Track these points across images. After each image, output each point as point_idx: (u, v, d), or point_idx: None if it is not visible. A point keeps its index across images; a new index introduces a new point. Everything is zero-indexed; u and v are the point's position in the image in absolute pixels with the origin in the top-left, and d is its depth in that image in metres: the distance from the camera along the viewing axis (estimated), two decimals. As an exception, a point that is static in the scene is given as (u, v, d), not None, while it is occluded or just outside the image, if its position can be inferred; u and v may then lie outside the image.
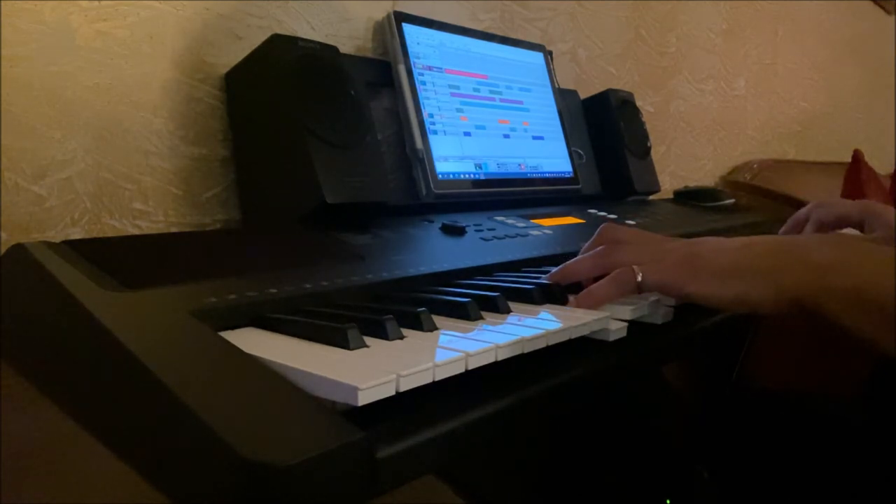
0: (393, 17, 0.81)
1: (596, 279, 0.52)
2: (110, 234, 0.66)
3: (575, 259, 0.54)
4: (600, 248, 0.53)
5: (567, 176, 0.97)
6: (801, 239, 0.47)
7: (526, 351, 0.40)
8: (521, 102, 0.94)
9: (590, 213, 0.92)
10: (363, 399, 0.31)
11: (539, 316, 0.46)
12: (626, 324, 0.48)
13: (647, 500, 0.86)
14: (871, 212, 0.60)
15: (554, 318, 0.45)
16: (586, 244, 0.57)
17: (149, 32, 0.68)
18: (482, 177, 0.84)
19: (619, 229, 0.55)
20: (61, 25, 0.62)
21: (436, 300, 0.47)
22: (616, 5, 1.30)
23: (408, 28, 0.82)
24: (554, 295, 0.51)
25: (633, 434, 0.88)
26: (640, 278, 0.49)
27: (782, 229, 0.79)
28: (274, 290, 0.45)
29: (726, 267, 0.47)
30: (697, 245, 0.50)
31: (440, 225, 0.71)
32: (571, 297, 0.51)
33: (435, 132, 0.80)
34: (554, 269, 0.55)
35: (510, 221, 0.79)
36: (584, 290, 0.50)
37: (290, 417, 0.30)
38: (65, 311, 0.40)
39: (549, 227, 0.80)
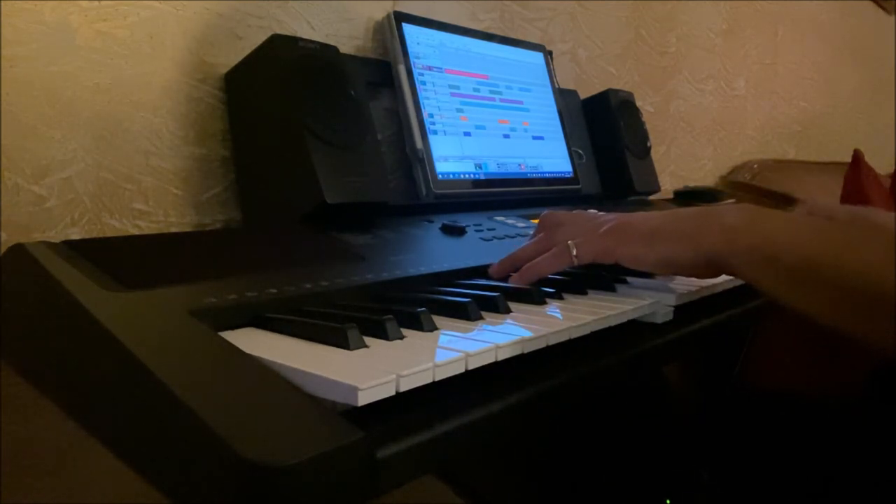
0: (393, 17, 0.81)
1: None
2: (110, 234, 0.66)
3: (519, 248, 0.58)
4: (541, 234, 0.58)
5: (567, 176, 0.97)
6: (721, 206, 0.52)
7: (526, 351, 0.40)
8: (521, 102, 0.94)
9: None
10: (363, 399, 0.31)
11: (539, 316, 0.46)
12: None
13: (647, 500, 0.86)
14: (860, 214, 0.61)
15: (554, 318, 0.45)
16: (532, 233, 0.62)
17: (149, 32, 0.68)
18: (482, 177, 0.84)
19: (557, 215, 0.59)
20: (61, 25, 0.62)
21: (436, 300, 0.47)
22: (616, 5, 1.30)
23: (408, 28, 0.82)
24: (554, 295, 0.51)
25: (633, 434, 0.88)
26: (574, 252, 0.53)
27: None
28: (274, 290, 0.45)
29: (651, 231, 0.51)
30: (627, 216, 0.55)
31: (440, 225, 0.71)
32: (513, 276, 0.55)
33: (435, 132, 0.80)
34: (494, 265, 0.58)
35: (510, 221, 0.79)
36: (525, 266, 0.55)
37: (290, 417, 0.30)
38: (65, 311, 0.40)
39: (549, 227, 0.80)
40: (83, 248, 0.48)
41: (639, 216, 0.54)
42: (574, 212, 0.60)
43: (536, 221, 0.81)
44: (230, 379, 0.34)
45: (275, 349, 0.37)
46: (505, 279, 0.56)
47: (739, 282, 0.62)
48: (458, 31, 0.89)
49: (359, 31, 0.85)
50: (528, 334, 0.40)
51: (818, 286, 0.44)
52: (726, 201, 1.18)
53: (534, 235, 0.60)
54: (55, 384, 0.43)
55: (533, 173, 0.91)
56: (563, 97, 1.02)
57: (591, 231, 0.54)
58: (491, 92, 0.90)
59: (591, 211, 0.59)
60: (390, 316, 0.40)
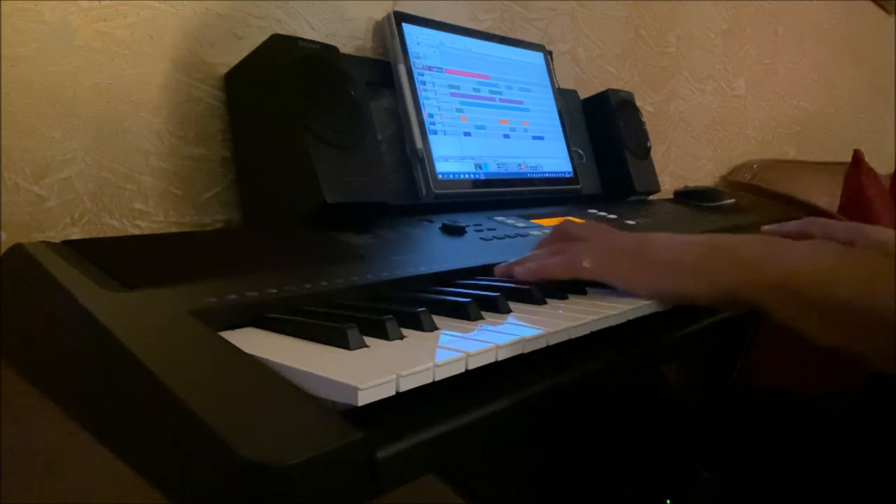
0: (393, 17, 0.81)
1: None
2: (110, 234, 0.66)
3: (528, 256, 0.57)
4: (555, 245, 0.57)
5: (567, 176, 0.97)
6: (735, 238, 0.51)
7: (526, 351, 0.40)
8: (521, 102, 0.94)
9: (590, 213, 0.92)
10: (363, 399, 0.31)
11: (539, 316, 0.46)
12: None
13: (647, 500, 0.86)
14: (860, 232, 0.61)
15: (554, 318, 0.45)
16: (542, 240, 0.61)
17: (149, 32, 0.68)
18: (482, 177, 0.84)
19: (573, 225, 0.59)
20: (61, 25, 0.62)
21: (436, 300, 0.47)
22: (616, 5, 1.30)
23: (408, 28, 0.82)
24: (554, 295, 0.51)
25: (634, 433, 0.88)
26: (586, 264, 0.52)
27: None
28: (274, 290, 0.45)
29: (667, 263, 0.51)
30: (643, 240, 0.53)
31: (440, 225, 0.71)
32: (518, 267, 0.54)
33: (435, 132, 0.80)
34: (501, 265, 0.57)
35: (510, 221, 0.79)
36: (536, 262, 0.54)
37: (290, 417, 0.30)
38: (65, 311, 0.40)
39: (549, 227, 0.80)
40: (83, 248, 0.48)
41: (653, 241, 0.53)
42: (589, 224, 0.59)
43: (536, 222, 0.82)
44: (230, 379, 0.34)
45: (275, 349, 0.37)
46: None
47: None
48: (458, 31, 0.89)
49: (359, 31, 0.85)
50: (528, 334, 0.40)
51: (848, 321, 0.43)
52: (726, 201, 1.18)
53: (546, 243, 0.59)
54: (55, 384, 0.43)
55: (533, 173, 0.91)
56: (563, 97, 1.02)
57: (608, 252, 0.53)
58: (491, 92, 0.90)
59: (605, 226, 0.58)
60: (390, 316, 0.40)
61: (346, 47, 0.82)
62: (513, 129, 0.91)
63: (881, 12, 2.23)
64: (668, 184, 1.41)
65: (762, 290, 0.46)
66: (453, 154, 0.81)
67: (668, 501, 0.85)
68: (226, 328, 0.41)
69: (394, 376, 0.32)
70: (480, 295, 0.48)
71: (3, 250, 0.48)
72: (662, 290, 0.51)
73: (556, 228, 0.60)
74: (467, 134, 0.84)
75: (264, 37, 0.68)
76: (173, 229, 0.71)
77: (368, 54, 0.86)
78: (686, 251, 0.51)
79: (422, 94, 0.80)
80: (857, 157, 1.28)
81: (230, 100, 0.73)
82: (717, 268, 0.48)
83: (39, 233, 0.62)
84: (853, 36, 2.10)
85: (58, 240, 0.49)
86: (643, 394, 0.90)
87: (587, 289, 0.55)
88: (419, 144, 0.78)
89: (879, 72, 2.22)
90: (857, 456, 0.75)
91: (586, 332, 0.45)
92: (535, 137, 0.94)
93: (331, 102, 0.67)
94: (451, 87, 0.84)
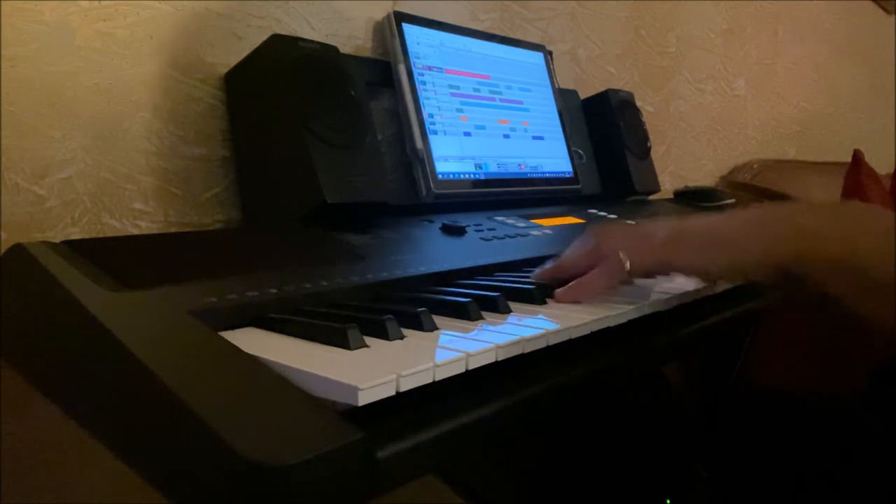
0: (393, 17, 0.81)
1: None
2: (110, 234, 0.66)
3: (565, 254, 0.54)
4: (588, 241, 0.53)
5: (567, 176, 0.97)
6: (791, 205, 0.47)
7: (526, 351, 0.40)
8: (521, 102, 0.94)
9: (590, 213, 0.92)
10: (363, 399, 0.31)
11: (539, 316, 0.46)
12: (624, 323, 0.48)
13: (647, 499, 0.86)
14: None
15: (554, 318, 0.45)
16: (575, 242, 0.57)
17: (149, 32, 0.68)
18: (482, 177, 0.84)
19: (606, 226, 0.56)
20: (61, 25, 0.62)
21: (436, 300, 0.47)
22: (616, 5, 1.30)
23: (408, 28, 0.82)
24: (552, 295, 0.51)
25: (634, 433, 0.88)
26: (628, 265, 0.48)
27: None
28: (274, 290, 0.45)
29: (712, 238, 0.47)
30: (681, 223, 0.50)
31: (440, 225, 0.71)
32: (558, 291, 0.50)
33: (435, 132, 0.80)
34: (539, 269, 0.55)
35: (510, 221, 0.79)
36: (575, 282, 0.50)
37: (290, 417, 0.30)
38: (65, 311, 0.40)
39: (549, 227, 0.80)
40: (83, 248, 0.48)
41: (693, 221, 0.50)
42: (622, 224, 0.56)
43: (536, 222, 0.82)
44: (230, 379, 0.34)
45: (275, 349, 0.37)
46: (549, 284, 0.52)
47: (739, 282, 0.62)
48: (459, 31, 0.89)
49: (359, 31, 0.85)
50: (528, 334, 0.40)
51: None
52: (726, 201, 1.18)
53: (580, 244, 0.55)
54: (55, 384, 0.43)
55: (533, 173, 0.91)
56: (563, 97, 1.02)
57: (645, 241, 0.50)
58: (491, 92, 0.90)
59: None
60: (390, 316, 0.40)
61: (345, 47, 0.82)
62: (513, 129, 0.91)
63: (881, 12, 2.23)
64: (668, 184, 1.41)
65: (819, 264, 0.42)
66: (453, 154, 0.81)
67: (668, 501, 0.85)
68: (226, 328, 0.41)
69: (394, 376, 0.32)
70: (480, 295, 0.48)
71: (3, 250, 0.48)
72: (709, 266, 0.47)
73: (587, 231, 0.55)
74: (467, 134, 0.84)
75: (264, 37, 0.68)
76: (173, 229, 0.71)
77: (368, 54, 0.86)
78: (729, 223, 0.47)
79: (422, 94, 0.80)
80: (857, 157, 1.28)
81: (230, 100, 0.73)
82: (767, 234, 0.44)
83: (39, 233, 0.62)
84: (853, 36, 2.10)
85: (58, 240, 0.49)
86: (643, 394, 0.90)
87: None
88: (419, 144, 0.78)
89: (879, 72, 2.22)
90: (857, 456, 0.75)
91: (586, 332, 0.45)
92: (535, 137, 0.94)
93: (331, 102, 0.67)
94: (451, 87, 0.84)
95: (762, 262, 0.44)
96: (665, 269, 0.49)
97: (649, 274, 0.50)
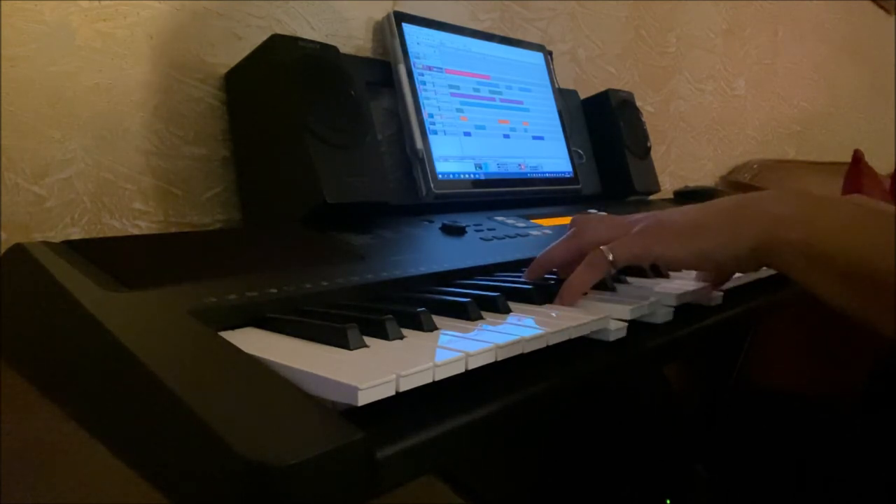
0: (393, 17, 0.81)
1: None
2: (110, 234, 0.66)
3: (548, 249, 0.55)
4: (569, 232, 0.54)
5: (567, 176, 0.97)
6: (761, 194, 0.48)
7: (526, 351, 0.40)
8: (521, 102, 0.94)
9: (590, 213, 0.92)
10: (363, 399, 0.31)
11: (538, 316, 0.46)
12: (625, 324, 0.48)
13: (647, 500, 0.86)
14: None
15: (554, 318, 0.45)
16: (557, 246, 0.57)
17: (149, 32, 0.68)
18: (482, 177, 0.84)
19: (586, 216, 0.56)
20: (61, 25, 0.62)
21: (436, 300, 0.47)
22: (616, 5, 1.30)
23: (408, 28, 0.82)
24: (553, 295, 0.51)
25: (634, 433, 0.88)
26: (610, 257, 0.49)
27: None
28: (274, 290, 0.45)
29: (688, 226, 0.48)
30: (660, 213, 0.51)
31: (440, 225, 0.71)
32: (560, 300, 0.51)
33: (435, 132, 0.80)
34: (526, 269, 0.55)
35: (510, 221, 0.79)
36: (563, 287, 0.51)
37: (290, 417, 0.30)
38: (65, 311, 0.40)
39: (549, 227, 0.80)
40: (83, 248, 0.48)
41: (671, 211, 0.51)
42: (603, 214, 0.57)
43: (536, 222, 0.82)
44: (230, 379, 0.34)
45: (275, 349, 0.37)
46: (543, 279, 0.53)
47: (739, 282, 0.62)
48: (459, 31, 0.89)
49: (359, 31, 0.85)
50: (528, 334, 0.40)
51: (880, 293, 0.39)
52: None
53: (562, 240, 0.56)
54: (55, 384, 0.43)
55: (533, 173, 0.91)
56: (563, 97, 1.02)
57: (625, 232, 0.51)
58: (491, 92, 0.90)
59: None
60: (390, 316, 0.40)
61: (345, 47, 0.82)
62: (513, 129, 0.91)
63: (881, 12, 2.23)
64: (668, 184, 1.41)
65: (786, 248, 0.43)
66: (453, 154, 0.81)
67: (668, 501, 0.85)
68: (226, 328, 0.41)
69: (394, 376, 0.32)
70: (480, 295, 0.48)
71: (3, 250, 0.48)
72: (688, 255, 0.48)
73: (570, 223, 0.56)
74: (467, 134, 0.84)
75: (264, 37, 0.68)
76: (173, 229, 0.71)
77: (368, 54, 0.86)
78: (705, 212, 0.48)
79: (422, 94, 0.80)
80: (857, 157, 1.28)
81: (230, 100, 0.73)
82: (739, 222, 0.45)
83: (39, 233, 0.62)
84: (853, 36, 2.10)
85: (58, 240, 0.49)
86: (643, 394, 0.90)
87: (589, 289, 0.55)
88: (419, 144, 0.78)
89: (879, 72, 2.22)
90: (857, 456, 0.75)
91: (586, 332, 0.45)
92: (535, 137, 0.94)
93: (331, 102, 0.67)
94: (451, 87, 0.84)
95: (730, 248, 0.46)
96: (645, 259, 0.50)
97: (631, 263, 0.50)
